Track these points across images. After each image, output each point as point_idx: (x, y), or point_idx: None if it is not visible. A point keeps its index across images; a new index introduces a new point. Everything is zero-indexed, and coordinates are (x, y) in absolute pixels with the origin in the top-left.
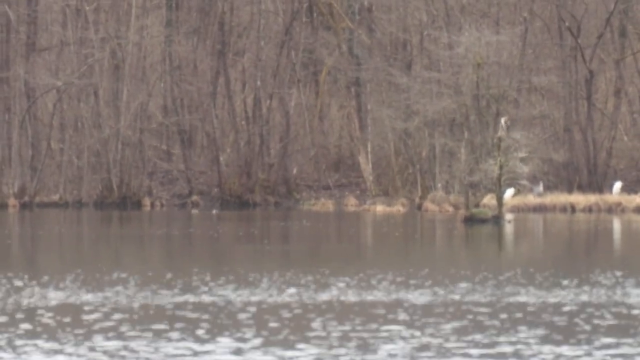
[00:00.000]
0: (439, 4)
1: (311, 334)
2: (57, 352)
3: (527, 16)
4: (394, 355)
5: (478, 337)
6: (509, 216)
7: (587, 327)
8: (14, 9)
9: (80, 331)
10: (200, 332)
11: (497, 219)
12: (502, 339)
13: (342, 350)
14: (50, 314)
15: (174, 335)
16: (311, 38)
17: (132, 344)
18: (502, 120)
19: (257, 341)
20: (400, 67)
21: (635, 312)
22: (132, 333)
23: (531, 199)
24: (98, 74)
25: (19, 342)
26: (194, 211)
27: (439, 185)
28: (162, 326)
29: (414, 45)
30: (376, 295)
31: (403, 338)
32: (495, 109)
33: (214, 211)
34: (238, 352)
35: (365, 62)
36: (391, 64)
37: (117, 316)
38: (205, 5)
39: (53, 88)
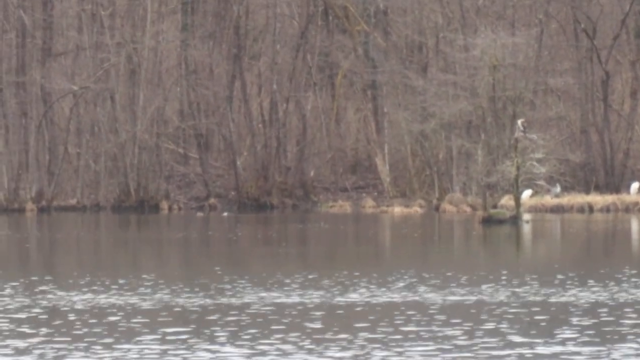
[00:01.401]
0: (455, 7)
1: (339, 336)
2: (84, 356)
3: (543, 18)
4: (430, 356)
5: (512, 337)
6: (526, 217)
7: (614, 327)
8: (29, 14)
9: (106, 334)
10: (245, 335)
11: (515, 220)
12: (532, 339)
13: (377, 352)
14: (74, 317)
15: (204, 338)
16: (327, 41)
17: (161, 347)
18: (519, 122)
19: (284, 345)
20: (416, 70)
21: None
22: (155, 336)
23: (549, 200)
24: (114, 79)
25: (48, 347)
26: (199, 214)
27: (457, 186)
28: (186, 328)
29: (429, 47)
30: (401, 296)
31: (435, 339)
32: (512, 110)
33: (225, 214)
34: (283, 354)
35: (381, 65)
36: (407, 66)
37: (159, 318)
38: (221, 10)
39: (69, 93)
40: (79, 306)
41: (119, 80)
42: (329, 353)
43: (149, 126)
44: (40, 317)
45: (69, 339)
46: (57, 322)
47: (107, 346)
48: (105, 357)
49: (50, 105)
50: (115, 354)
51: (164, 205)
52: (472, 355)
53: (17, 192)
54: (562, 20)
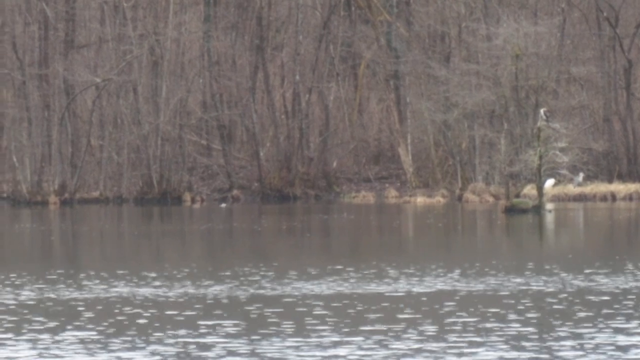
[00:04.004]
0: None
1: (366, 327)
2: (126, 348)
3: (565, 7)
4: (464, 346)
5: (545, 326)
6: (549, 206)
7: (631, 314)
8: (52, 7)
9: (140, 325)
10: (285, 325)
11: (538, 209)
12: (567, 328)
13: (408, 342)
14: (106, 309)
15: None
16: (349, 32)
17: (195, 340)
18: (542, 111)
19: (325, 334)
20: (438, 60)
21: None
22: (186, 329)
23: (571, 189)
24: (137, 71)
25: (80, 338)
26: (223, 205)
27: (479, 176)
28: (214, 320)
29: (452, 37)
30: (429, 286)
31: (470, 328)
32: (535, 99)
33: (223, 205)
34: (320, 346)
35: (404, 55)
36: (430, 56)
37: (193, 310)
38: (243, 1)
39: (92, 85)
40: (112, 298)
41: (141, 72)
42: (384, 342)
43: (171, 118)
44: (73, 308)
45: (101, 328)
46: (89, 315)
47: (144, 336)
48: (142, 347)
49: (72, 97)
50: (152, 347)
51: (187, 197)
52: (512, 343)
53: (40, 184)
54: (584, 8)
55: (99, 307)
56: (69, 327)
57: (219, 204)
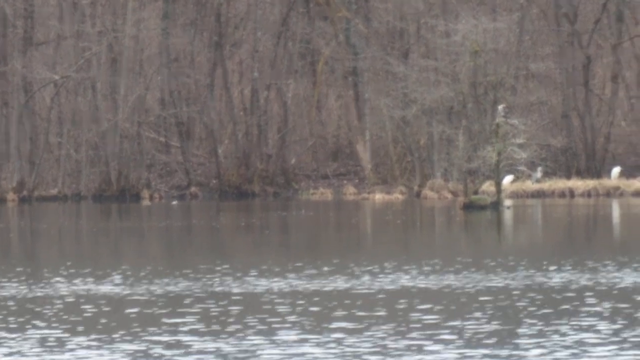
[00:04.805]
0: None
1: (327, 325)
2: (86, 345)
3: (524, 3)
4: (426, 343)
5: (505, 323)
6: (508, 202)
7: (590, 311)
8: (10, 3)
9: (97, 323)
10: (247, 322)
11: (496, 205)
12: (520, 325)
13: (368, 340)
14: (61, 306)
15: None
16: (308, 28)
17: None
18: (500, 107)
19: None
20: (397, 56)
21: (634, 295)
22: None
23: (530, 185)
24: (95, 68)
25: (38, 336)
26: (174, 202)
27: (438, 172)
28: (177, 319)
29: (411, 33)
30: (388, 283)
31: (430, 325)
32: (493, 96)
33: (174, 202)
34: (282, 344)
35: (363, 52)
36: (388, 52)
37: (154, 307)
38: None
39: (50, 82)
40: (72, 296)
41: (100, 69)
42: (344, 340)
43: (130, 115)
44: (33, 306)
45: (66, 326)
46: (49, 313)
47: (105, 334)
48: (103, 345)
49: (31, 94)
50: (114, 345)
51: (145, 194)
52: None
53: None
54: (543, 5)
55: (59, 305)
56: (29, 326)
57: (171, 202)
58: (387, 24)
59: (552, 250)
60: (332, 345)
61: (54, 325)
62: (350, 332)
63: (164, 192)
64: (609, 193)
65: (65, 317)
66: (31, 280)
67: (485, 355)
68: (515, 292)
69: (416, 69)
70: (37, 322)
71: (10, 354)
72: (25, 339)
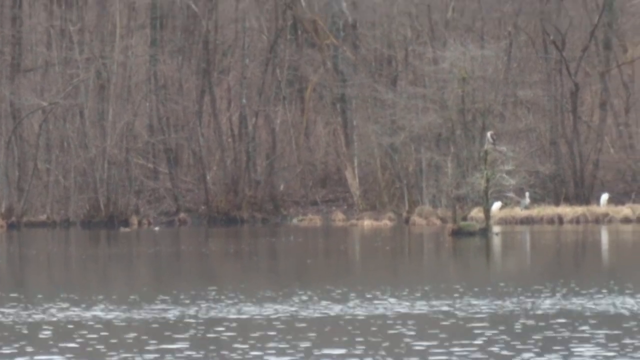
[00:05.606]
0: (424, 20)
1: (316, 351)
2: None
3: (512, 30)
4: None
5: (493, 349)
6: (496, 229)
7: (582, 337)
8: None
9: (86, 348)
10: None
11: (485, 232)
12: (511, 351)
13: None
14: (51, 331)
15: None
16: (296, 55)
17: None
18: (488, 134)
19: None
20: (385, 83)
21: (624, 322)
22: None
23: (518, 212)
24: (83, 94)
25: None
26: (156, 228)
27: (426, 199)
28: (168, 344)
29: (399, 60)
30: (377, 310)
31: (417, 351)
32: (481, 123)
33: (156, 228)
34: None
35: (351, 79)
36: (376, 79)
37: (132, 334)
38: (190, 25)
39: (39, 108)
40: (62, 322)
41: (88, 95)
42: None
43: (118, 141)
44: (22, 332)
45: (59, 355)
46: (39, 339)
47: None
48: None
49: (19, 121)
50: None
51: (134, 220)
52: None
53: None
54: (531, 32)
55: (48, 332)
56: (18, 352)
57: (153, 228)
58: (375, 51)
59: (541, 276)
60: None
61: (40, 351)
62: (340, 358)
63: (152, 218)
64: (598, 220)
65: (53, 342)
66: (19, 305)
67: None
68: (505, 319)
69: (404, 96)
70: (27, 348)
71: None
72: None
